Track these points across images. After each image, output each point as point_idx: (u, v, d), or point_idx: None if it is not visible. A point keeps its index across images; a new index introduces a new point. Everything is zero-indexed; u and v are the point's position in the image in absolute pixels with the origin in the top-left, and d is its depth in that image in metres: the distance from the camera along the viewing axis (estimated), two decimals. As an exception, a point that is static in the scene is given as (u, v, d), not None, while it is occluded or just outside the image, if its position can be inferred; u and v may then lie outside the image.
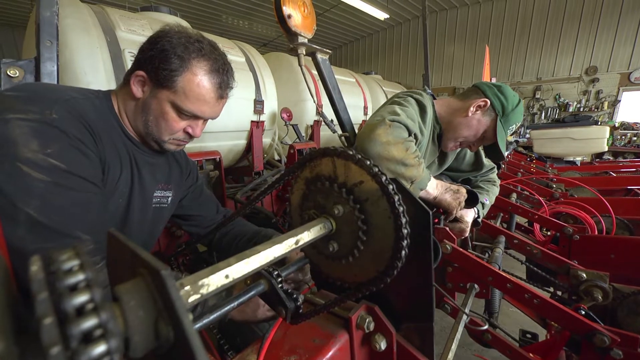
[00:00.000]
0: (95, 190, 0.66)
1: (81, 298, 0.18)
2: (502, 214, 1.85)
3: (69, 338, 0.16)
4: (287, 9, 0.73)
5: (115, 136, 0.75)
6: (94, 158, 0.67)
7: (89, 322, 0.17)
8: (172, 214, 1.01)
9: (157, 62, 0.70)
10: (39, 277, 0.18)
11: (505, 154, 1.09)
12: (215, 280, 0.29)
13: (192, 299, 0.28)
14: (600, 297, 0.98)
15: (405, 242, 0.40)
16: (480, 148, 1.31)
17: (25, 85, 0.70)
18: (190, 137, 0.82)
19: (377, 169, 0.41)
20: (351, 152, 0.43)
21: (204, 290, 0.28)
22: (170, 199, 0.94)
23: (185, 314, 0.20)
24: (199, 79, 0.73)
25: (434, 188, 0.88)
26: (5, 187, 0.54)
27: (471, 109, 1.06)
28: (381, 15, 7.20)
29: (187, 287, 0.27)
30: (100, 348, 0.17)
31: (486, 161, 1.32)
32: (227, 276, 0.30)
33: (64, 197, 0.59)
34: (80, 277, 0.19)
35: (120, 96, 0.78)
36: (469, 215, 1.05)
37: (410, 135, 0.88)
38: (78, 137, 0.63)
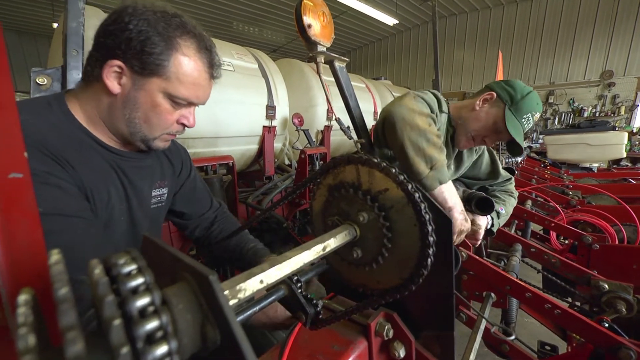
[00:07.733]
0: (81, 224, 0.57)
1: (143, 300, 0.19)
2: (516, 222, 1.81)
3: (135, 339, 0.17)
4: (307, 19, 0.75)
5: (87, 152, 0.64)
6: (69, 187, 0.58)
7: (152, 324, 0.18)
8: (170, 213, 0.94)
9: (139, 46, 0.58)
10: (103, 281, 0.19)
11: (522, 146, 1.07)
12: (251, 285, 0.30)
13: (230, 303, 0.28)
14: (624, 309, 0.95)
15: (432, 250, 0.41)
16: (497, 158, 1.30)
17: None
18: (184, 128, 0.72)
19: (403, 177, 0.42)
20: (376, 160, 0.44)
21: (241, 295, 0.29)
22: (166, 195, 0.87)
23: (233, 318, 0.21)
24: (191, 61, 0.63)
25: (452, 196, 0.84)
26: None
27: (478, 102, 1.10)
28: (390, 20, 7.23)
29: (226, 292, 0.28)
30: (162, 349, 0.18)
31: (503, 172, 1.32)
32: (261, 281, 0.31)
33: (47, 243, 0.54)
34: (140, 280, 0.20)
35: (83, 98, 0.65)
36: (482, 219, 1.04)
37: (433, 113, 0.90)
38: (43, 170, 0.54)
